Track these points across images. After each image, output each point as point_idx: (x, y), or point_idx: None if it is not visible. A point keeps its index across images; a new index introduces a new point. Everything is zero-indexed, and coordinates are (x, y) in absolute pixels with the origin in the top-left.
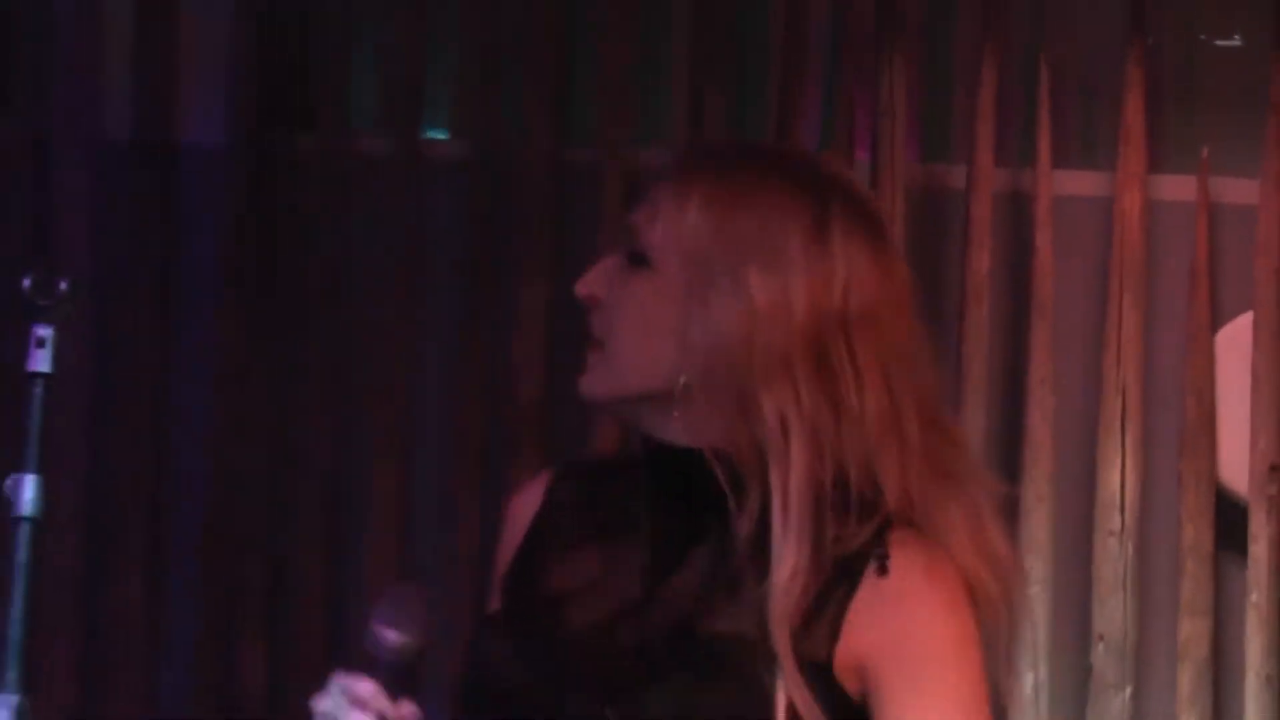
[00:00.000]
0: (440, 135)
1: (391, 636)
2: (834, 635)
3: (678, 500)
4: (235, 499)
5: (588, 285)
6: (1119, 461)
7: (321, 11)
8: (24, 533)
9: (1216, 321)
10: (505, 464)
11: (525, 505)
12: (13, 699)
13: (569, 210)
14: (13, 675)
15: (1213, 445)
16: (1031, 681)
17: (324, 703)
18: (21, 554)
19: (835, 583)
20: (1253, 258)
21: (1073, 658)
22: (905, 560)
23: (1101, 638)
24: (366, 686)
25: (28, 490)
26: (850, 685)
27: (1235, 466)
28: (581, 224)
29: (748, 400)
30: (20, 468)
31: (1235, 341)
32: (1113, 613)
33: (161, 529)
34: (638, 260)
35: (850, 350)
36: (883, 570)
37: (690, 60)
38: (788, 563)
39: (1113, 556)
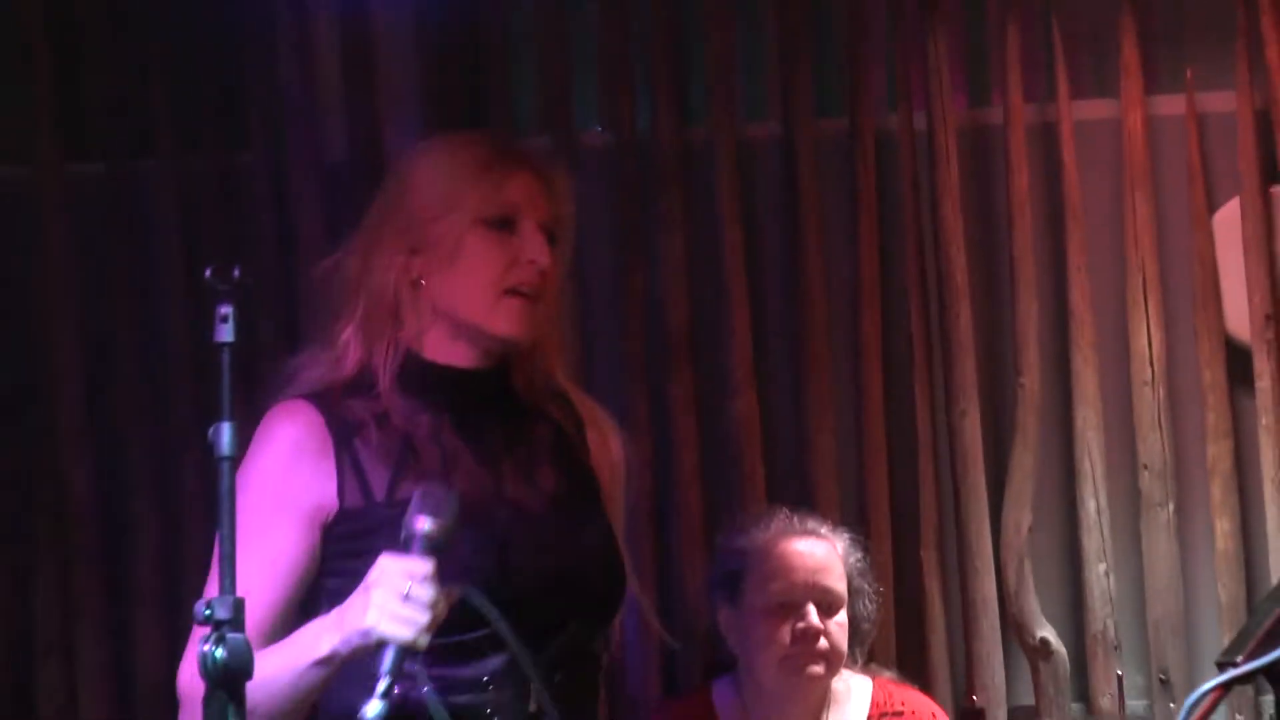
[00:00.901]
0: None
1: (424, 523)
2: None
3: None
4: None
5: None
6: (1145, 325)
7: (487, 35)
8: (225, 469)
9: (1212, 206)
10: (664, 378)
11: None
12: (229, 599)
13: (692, 178)
14: (229, 579)
15: (1219, 304)
16: (1093, 507)
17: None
18: (225, 485)
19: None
20: (1236, 154)
21: (1125, 484)
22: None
23: (1145, 466)
24: (420, 564)
25: (225, 435)
26: None
27: (1238, 319)
28: (701, 188)
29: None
30: (217, 417)
31: (1229, 221)
32: (1152, 445)
33: None
34: (551, 236)
35: None
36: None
37: (778, 47)
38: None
39: (1148, 400)
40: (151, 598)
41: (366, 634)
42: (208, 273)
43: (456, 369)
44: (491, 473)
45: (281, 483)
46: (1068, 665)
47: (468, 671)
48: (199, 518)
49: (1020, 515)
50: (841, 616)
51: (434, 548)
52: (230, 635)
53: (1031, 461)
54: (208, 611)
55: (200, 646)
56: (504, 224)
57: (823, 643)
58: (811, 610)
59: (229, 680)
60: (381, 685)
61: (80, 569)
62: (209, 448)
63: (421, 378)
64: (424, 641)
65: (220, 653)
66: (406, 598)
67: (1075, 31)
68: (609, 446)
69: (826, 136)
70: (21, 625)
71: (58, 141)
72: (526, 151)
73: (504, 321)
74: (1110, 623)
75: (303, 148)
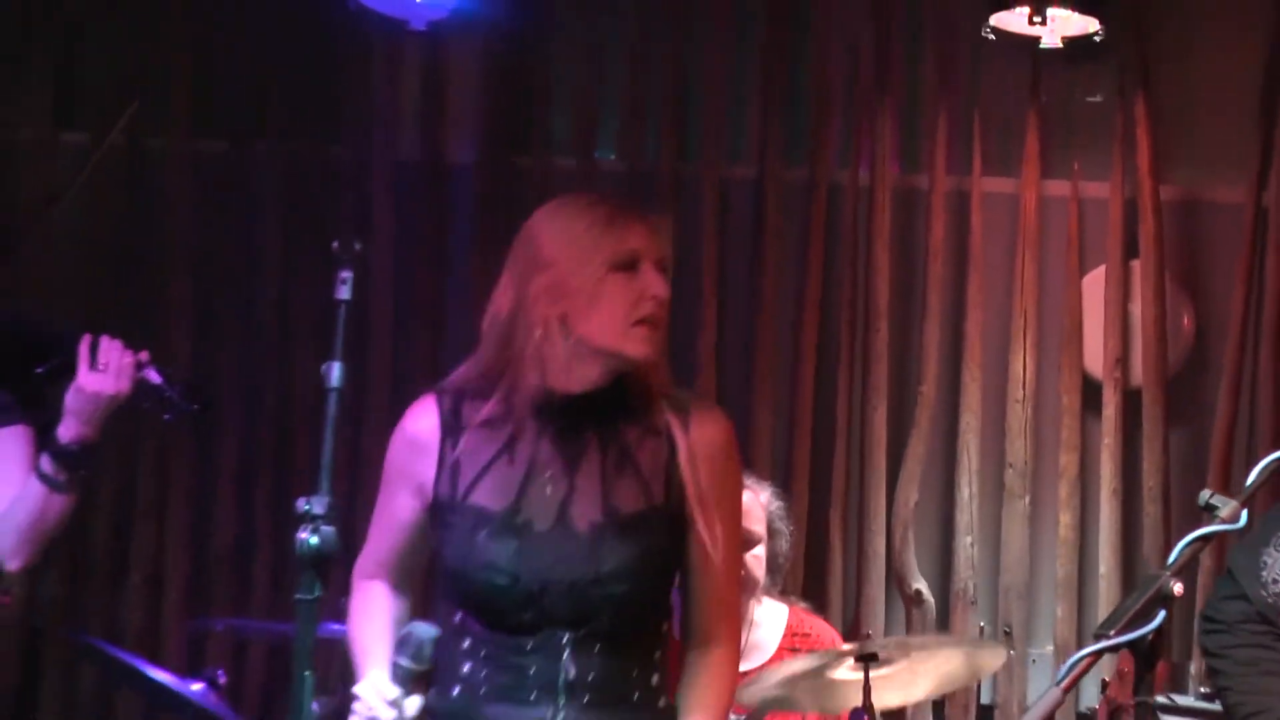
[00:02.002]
0: (608, 155)
1: (401, 660)
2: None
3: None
4: None
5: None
6: (1021, 355)
7: (534, 72)
8: (333, 400)
9: (1083, 270)
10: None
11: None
12: (325, 499)
13: (684, 202)
14: (326, 483)
15: (1080, 346)
16: (967, 492)
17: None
18: (331, 411)
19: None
20: (1107, 231)
21: (993, 477)
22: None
23: (1010, 465)
24: (389, 689)
25: (335, 371)
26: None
27: (1093, 359)
28: (690, 211)
29: None
30: (330, 357)
31: (1095, 283)
32: (1017, 449)
33: None
34: (664, 271)
35: None
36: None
37: (760, 104)
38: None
39: (1018, 414)
40: (229, 475)
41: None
42: (335, 244)
43: (570, 394)
44: (564, 487)
45: (399, 463)
46: (935, 612)
47: (513, 641)
48: (270, 423)
49: (909, 492)
50: (758, 550)
51: (405, 679)
52: (323, 528)
53: (923, 451)
54: (306, 507)
55: (298, 534)
56: (629, 267)
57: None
58: None
59: (319, 560)
60: None
61: (175, 448)
62: (310, 378)
63: (540, 398)
64: None
65: (314, 539)
66: (369, 713)
67: (990, 122)
68: (707, 433)
69: (791, 181)
70: (125, 490)
71: (189, 120)
72: (636, 205)
73: (637, 346)
74: (971, 583)
75: (384, 148)
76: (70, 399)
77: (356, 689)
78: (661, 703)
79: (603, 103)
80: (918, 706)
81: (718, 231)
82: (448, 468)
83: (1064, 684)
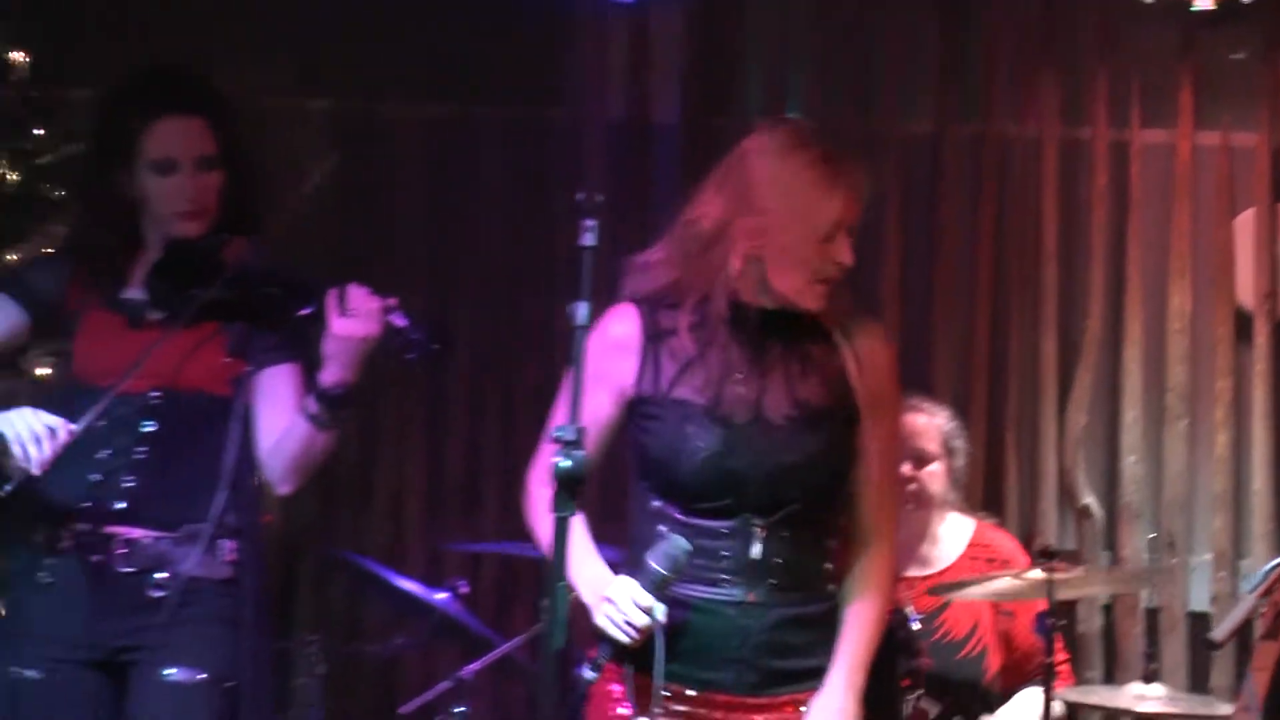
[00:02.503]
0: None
1: (654, 567)
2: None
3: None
4: None
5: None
6: (1179, 290)
7: (728, 38)
8: (579, 335)
9: (1234, 213)
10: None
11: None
12: (574, 426)
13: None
14: (575, 412)
15: (1232, 280)
16: (1131, 416)
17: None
18: (578, 346)
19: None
20: (1254, 178)
21: (1155, 401)
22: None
23: (1170, 389)
24: (641, 595)
25: (582, 310)
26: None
27: (1245, 292)
28: (877, 170)
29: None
30: (578, 298)
31: (1245, 224)
32: (1177, 375)
33: None
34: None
35: None
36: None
37: (938, 60)
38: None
39: (1178, 344)
40: (461, 408)
41: (595, 618)
42: (580, 196)
43: (760, 307)
44: (757, 385)
45: (600, 365)
46: (1103, 524)
47: (710, 526)
48: (497, 362)
49: (1078, 416)
50: (934, 467)
51: (655, 586)
52: (574, 452)
53: (1089, 379)
54: (559, 433)
55: (552, 459)
56: (831, 238)
57: (911, 486)
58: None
59: (569, 482)
60: (588, 671)
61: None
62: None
63: (731, 309)
64: (625, 639)
65: (565, 463)
66: (623, 615)
67: (1148, 79)
68: (874, 348)
69: (965, 136)
70: (369, 421)
71: (421, 86)
72: (847, 163)
73: (813, 301)
74: (1135, 498)
75: (596, 107)
76: (327, 345)
77: (608, 592)
78: (830, 588)
79: (793, 64)
80: (1090, 605)
81: (900, 183)
82: (650, 366)
83: (1258, 590)
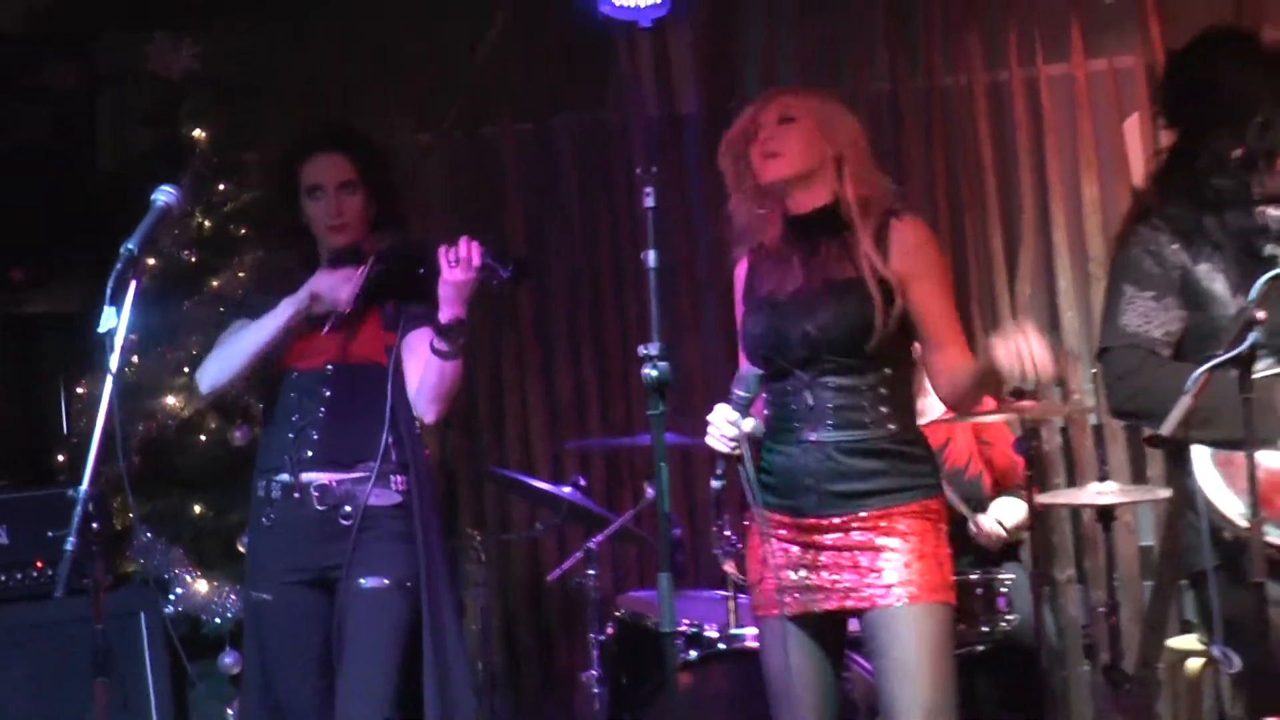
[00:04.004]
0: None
1: (739, 393)
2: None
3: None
4: None
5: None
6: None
7: (730, 48)
8: (653, 277)
9: (1124, 118)
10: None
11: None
12: (657, 344)
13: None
14: (657, 334)
15: (1129, 169)
16: (1063, 284)
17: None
18: (652, 284)
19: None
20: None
21: (1083, 270)
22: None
23: (1092, 259)
24: (732, 413)
25: (651, 257)
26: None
27: (1137, 176)
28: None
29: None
30: (646, 249)
31: (1133, 125)
32: (1096, 246)
33: None
34: (787, 120)
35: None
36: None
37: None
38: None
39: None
40: (564, 339)
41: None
42: (638, 170)
43: (803, 214)
44: (806, 266)
45: (738, 294)
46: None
47: (778, 385)
48: (587, 301)
49: (1024, 287)
50: None
51: (740, 406)
52: (659, 363)
53: (1030, 258)
54: (646, 351)
55: (643, 369)
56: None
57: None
58: None
59: (659, 386)
60: (715, 482)
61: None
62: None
63: (788, 221)
64: (728, 449)
65: (654, 372)
66: (718, 429)
67: (1044, 24)
68: (911, 227)
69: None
70: (495, 365)
71: (508, 109)
72: (773, 104)
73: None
74: (1074, 344)
75: (638, 107)
76: (441, 290)
77: (710, 416)
78: (891, 427)
79: (780, 55)
80: (1051, 428)
81: (868, 132)
82: (750, 283)
83: (1194, 392)
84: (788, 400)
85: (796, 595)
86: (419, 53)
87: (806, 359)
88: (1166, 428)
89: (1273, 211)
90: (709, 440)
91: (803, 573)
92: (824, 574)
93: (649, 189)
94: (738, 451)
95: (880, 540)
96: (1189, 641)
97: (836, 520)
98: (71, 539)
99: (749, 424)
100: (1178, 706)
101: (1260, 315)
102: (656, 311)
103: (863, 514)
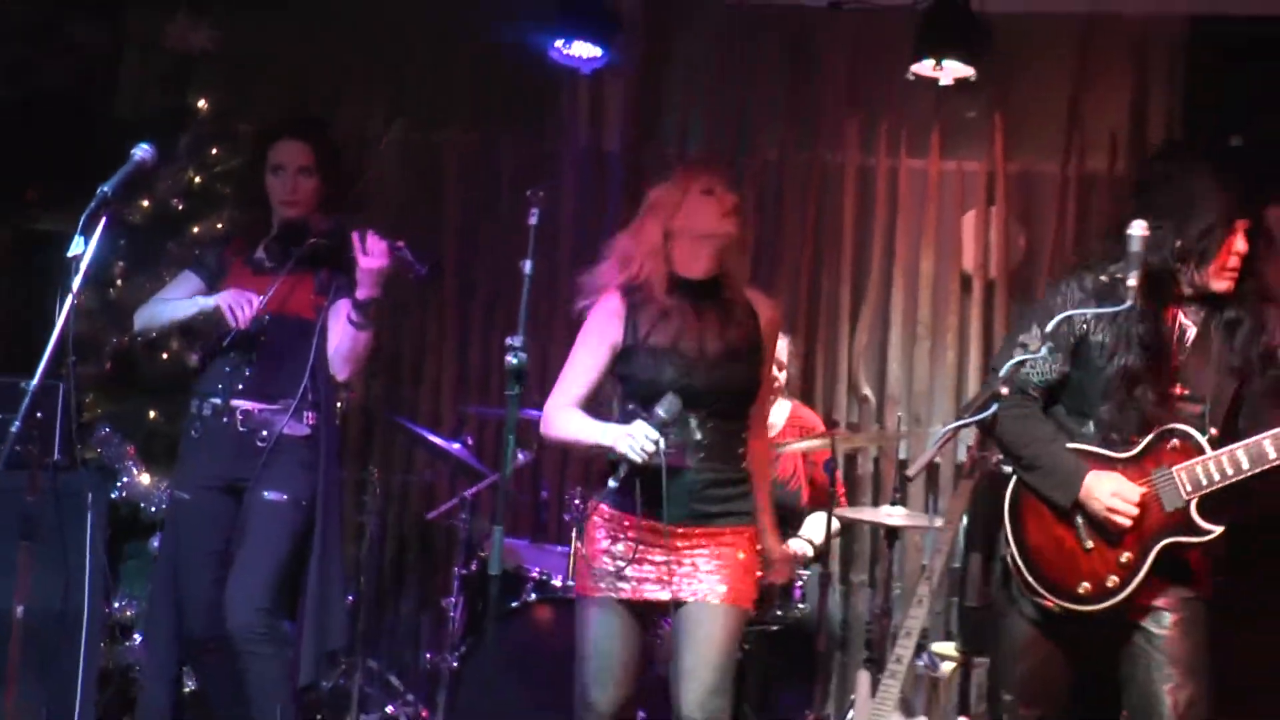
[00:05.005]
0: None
1: (659, 412)
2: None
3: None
4: None
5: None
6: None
7: (649, 83)
8: (527, 284)
9: (964, 212)
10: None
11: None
12: (520, 338)
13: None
14: (522, 328)
15: (960, 254)
16: (896, 338)
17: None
18: (525, 289)
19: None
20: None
21: (910, 329)
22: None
23: (920, 323)
24: (654, 432)
25: (528, 266)
26: None
27: (968, 261)
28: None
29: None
30: (525, 258)
31: (970, 219)
32: (925, 313)
33: None
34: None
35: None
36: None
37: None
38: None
39: (921, 293)
40: (478, 327)
41: (614, 450)
42: (529, 192)
43: (691, 279)
44: (698, 330)
45: (599, 327)
46: (875, 407)
47: (661, 414)
48: (483, 299)
49: (862, 337)
50: (781, 375)
51: (661, 425)
52: (519, 354)
53: (870, 314)
54: (511, 342)
55: (506, 357)
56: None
57: (776, 384)
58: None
59: (518, 373)
60: (622, 470)
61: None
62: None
63: (676, 282)
64: (639, 460)
65: (515, 359)
66: (639, 442)
67: (910, 124)
68: (772, 311)
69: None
70: (416, 334)
71: (461, 118)
72: (718, 176)
73: (711, 271)
74: (896, 390)
75: (571, 138)
76: (358, 273)
77: (630, 429)
78: (743, 464)
79: (695, 107)
80: (865, 457)
81: (756, 196)
82: (633, 326)
83: (939, 444)
84: (666, 431)
85: (634, 583)
86: (400, 54)
87: (704, 404)
88: (911, 471)
89: (1185, 319)
90: (623, 449)
91: (648, 568)
92: (663, 569)
93: (535, 209)
94: (654, 464)
95: (716, 550)
96: (946, 647)
97: (695, 531)
98: (17, 423)
99: (663, 442)
100: (932, 695)
101: (1004, 390)
102: (525, 312)
103: (711, 528)
